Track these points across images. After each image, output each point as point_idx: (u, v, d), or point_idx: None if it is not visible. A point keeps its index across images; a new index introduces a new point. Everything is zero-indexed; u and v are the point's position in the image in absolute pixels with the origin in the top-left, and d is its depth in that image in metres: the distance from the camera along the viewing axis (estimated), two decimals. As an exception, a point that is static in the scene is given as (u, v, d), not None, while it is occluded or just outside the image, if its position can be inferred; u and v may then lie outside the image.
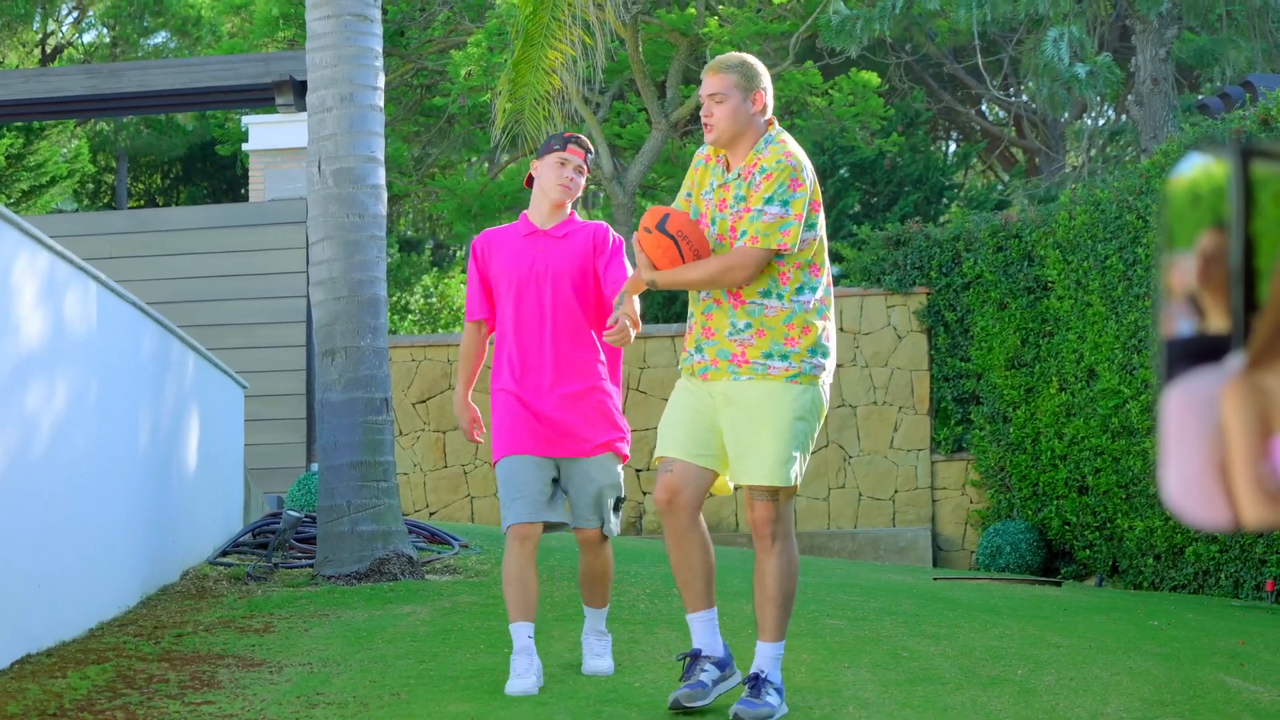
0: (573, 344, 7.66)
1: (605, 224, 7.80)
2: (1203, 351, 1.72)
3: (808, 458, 6.94)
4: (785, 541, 6.92)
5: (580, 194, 7.82)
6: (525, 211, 7.83)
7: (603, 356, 7.77)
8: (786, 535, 6.94)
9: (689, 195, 7.10)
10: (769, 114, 6.94)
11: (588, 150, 7.73)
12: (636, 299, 7.29)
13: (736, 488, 7.11)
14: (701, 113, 6.88)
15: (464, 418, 8.01)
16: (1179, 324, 1.76)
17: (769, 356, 6.79)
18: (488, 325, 7.87)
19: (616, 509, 7.79)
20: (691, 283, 6.80)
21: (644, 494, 19.36)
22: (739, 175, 6.87)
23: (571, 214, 7.80)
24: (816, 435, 6.98)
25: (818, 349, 6.85)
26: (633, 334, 7.17)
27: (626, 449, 7.79)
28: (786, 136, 6.93)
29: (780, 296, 6.81)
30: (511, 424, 7.63)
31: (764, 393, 6.77)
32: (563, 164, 7.63)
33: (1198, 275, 1.73)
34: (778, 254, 6.77)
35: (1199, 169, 1.78)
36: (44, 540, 8.63)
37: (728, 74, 6.84)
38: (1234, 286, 1.69)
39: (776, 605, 6.93)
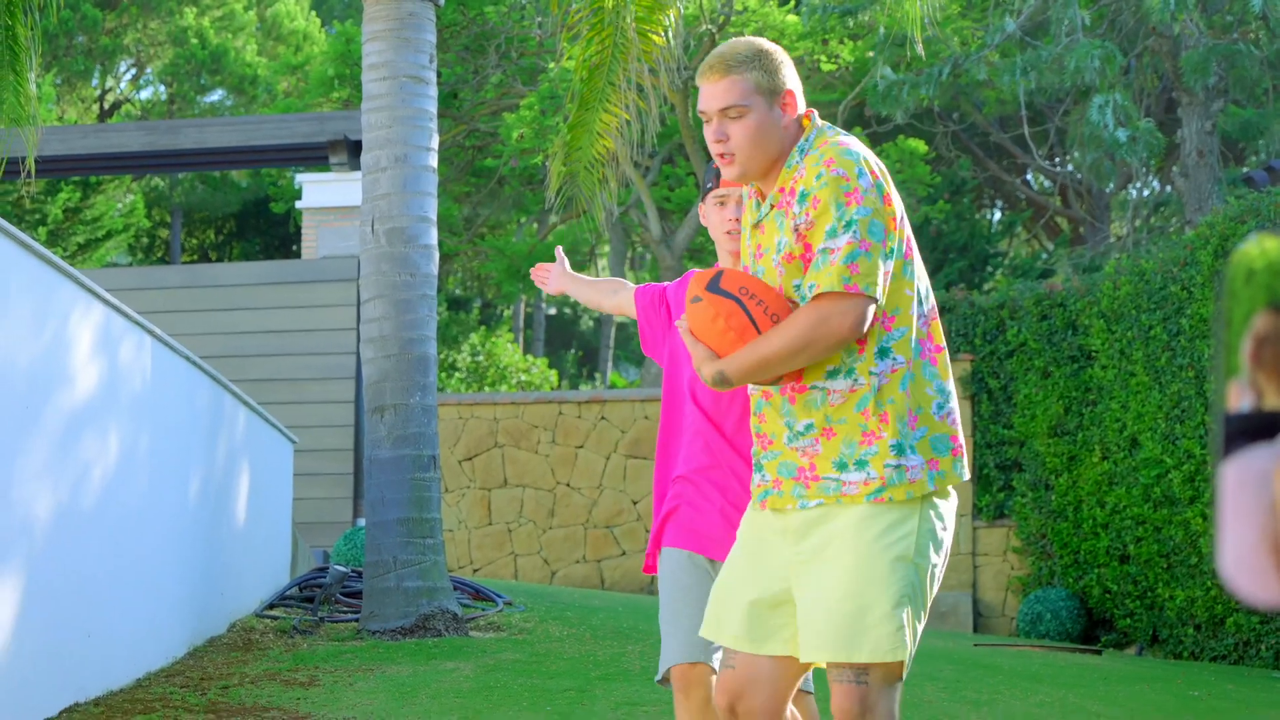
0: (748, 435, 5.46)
1: None
2: (1259, 428, 1.76)
3: (922, 616, 4.49)
4: None
5: None
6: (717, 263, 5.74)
7: None
8: None
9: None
10: (801, 109, 4.65)
11: None
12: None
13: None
14: (708, 136, 4.63)
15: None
16: (1236, 400, 1.79)
17: (842, 468, 4.46)
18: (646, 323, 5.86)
19: None
20: (775, 357, 4.39)
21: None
22: (772, 207, 4.61)
23: None
24: (937, 577, 4.53)
25: (905, 442, 4.45)
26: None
27: None
28: (831, 131, 4.62)
29: (850, 373, 4.47)
30: (692, 509, 5.49)
31: (848, 528, 4.43)
32: (722, 204, 5.60)
33: (1251, 355, 1.77)
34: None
35: (1255, 247, 1.82)
36: (93, 590, 8.72)
37: (741, 73, 4.56)
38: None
39: None
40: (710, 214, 5.60)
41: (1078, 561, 17.00)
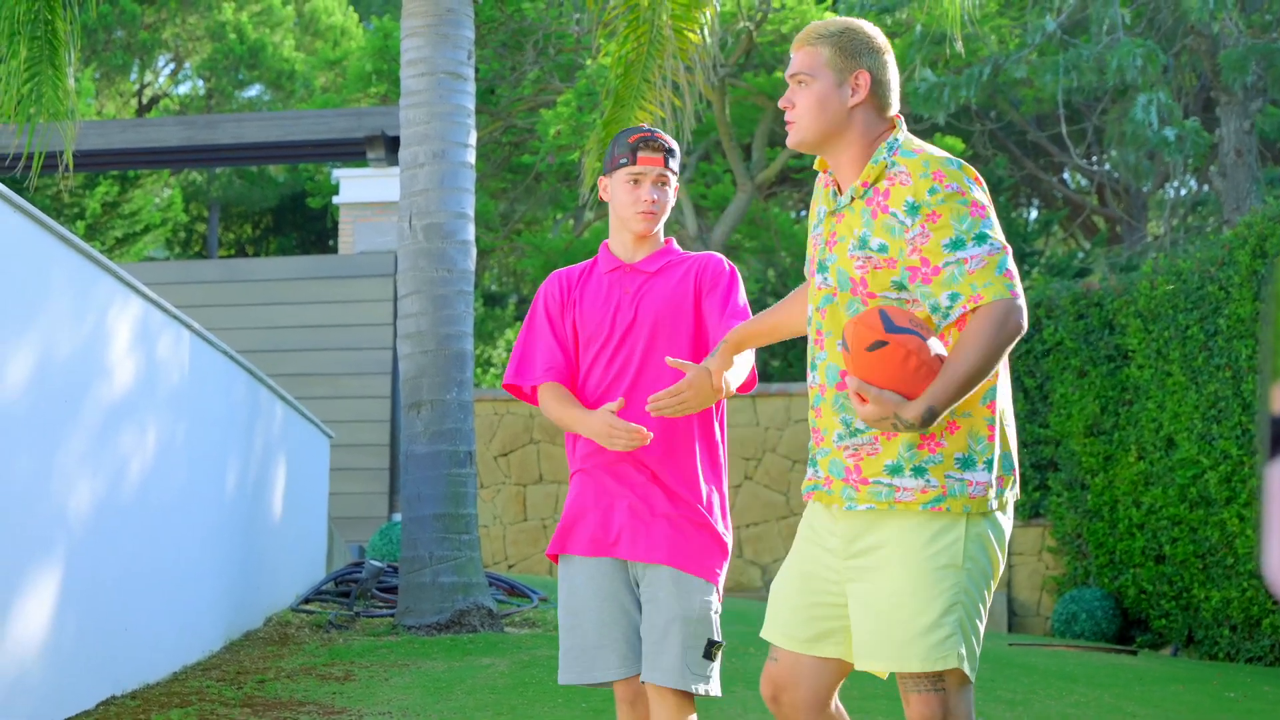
0: (671, 425, 5.36)
1: (717, 254, 5.53)
2: None
3: (980, 618, 4.49)
4: None
5: (669, 209, 5.54)
6: (605, 241, 5.63)
7: (714, 437, 5.47)
8: None
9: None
10: (891, 110, 4.68)
11: (669, 150, 5.48)
12: (743, 359, 5.15)
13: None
14: (780, 101, 4.68)
15: (604, 421, 5.27)
16: None
17: (895, 472, 4.43)
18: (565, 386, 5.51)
19: (708, 655, 5.23)
20: (974, 374, 4.31)
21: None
22: (854, 199, 4.57)
23: (668, 242, 5.59)
24: (993, 578, 4.53)
25: (977, 457, 4.45)
26: (695, 393, 5.04)
27: (721, 573, 5.36)
28: (919, 142, 4.62)
29: None
30: (569, 518, 5.44)
31: (896, 535, 4.44)
32: (636, 182, 5.43)
33: None
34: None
35: None
36: (130, 583, 8.76)
37: (817, 46, 4.63)
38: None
39: None
40: (618, 190, 5.46)
41: (1113, 561, 16.97)
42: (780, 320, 5.07)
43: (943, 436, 4.40)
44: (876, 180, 4.52)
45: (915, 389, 4.29)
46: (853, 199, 4.56)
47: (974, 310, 4.35)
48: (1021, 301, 4.37)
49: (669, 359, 5.09)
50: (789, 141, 4.68)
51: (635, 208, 5.41)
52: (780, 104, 4.67)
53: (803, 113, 4.60)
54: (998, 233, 4.42)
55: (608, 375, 5.41)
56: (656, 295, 5.42)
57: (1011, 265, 4.39)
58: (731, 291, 5.46)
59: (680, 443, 5.36)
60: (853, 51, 4.60)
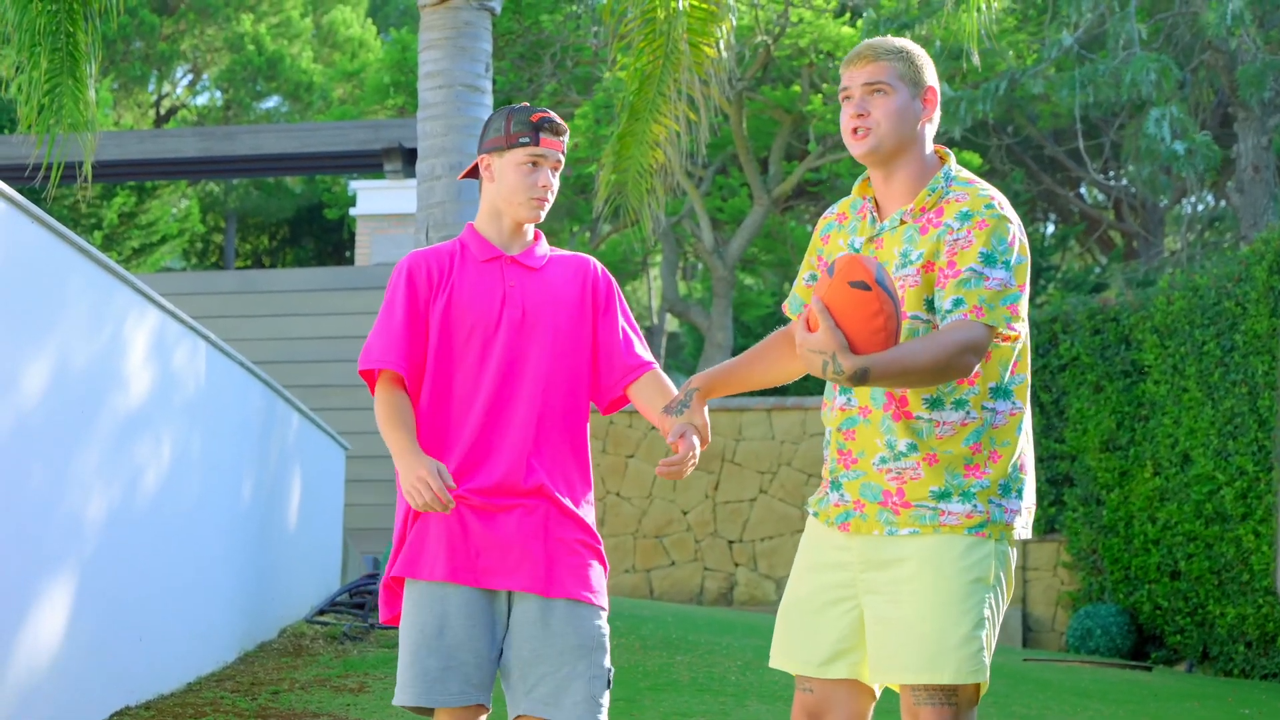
0: (554, 433, 4.98)
1: (591, 259, 5.17)
2: None
3: (994, 642, 4.54)
4: None
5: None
6: (471, 224, 5.15)
7: (586, 447, 5.07)
8: None
9: (813, 277, 4.85)
10: (933, 130, 4.73)
11: (566, 136, 5.10)
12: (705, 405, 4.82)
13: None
14: (847, 115, 4.65)
15: (428, 469, 4.67)
16: None
17: (942, 497, 4.48)
18: (409, 382, 4.95)
19: (607, 685, 4.88)
20: (916, 371, 4.30)
21: (735, 565, 19.40)
22: (904, 221, 4.61)
23: (538, 235, 5.16)
24: (1004, 609, 4.59)
25: (1011, 484, 4.54)
26: (698, 454, 4.75)
27: (606, 599, 4.95)
28: (970, 174, 4.69)
29: (961, 404, 4.49)
30: (439, 535, 4.85)
31: (929, 549, 4.47)
32: (535, 165, 5.00)
33: None
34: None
35: None
36: (145, 594, 8.76)
37: (889, 60, 4.62)
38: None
39: None
40: (509, 171, 5.00)
41: (1128, 577, 16.94)
42: (753, 373, 4.89)
43: (988, 464, 4.48)
44: (933, 202, 4.58)
45: (864, 345, 4.25)
46: (902, 221, 4.61)
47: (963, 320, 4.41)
48: (1003, 342, 4.49)
49: (659, 467, 4.69)
50: (860, 149, 4.61)
51: (530, 193, 4.97)
52: (851, 116, 4.63)
53: (882, 120, 4.58)
54: (1023, 275, 4.49)
55: (484, 372, 4.92)
56: (546, 295, 5.01)
57: (1020, 304, 4.46)
58: (626, 315, 5.15)
59: (563, 454, 4.98)
60: (921, 68, 4.66)
